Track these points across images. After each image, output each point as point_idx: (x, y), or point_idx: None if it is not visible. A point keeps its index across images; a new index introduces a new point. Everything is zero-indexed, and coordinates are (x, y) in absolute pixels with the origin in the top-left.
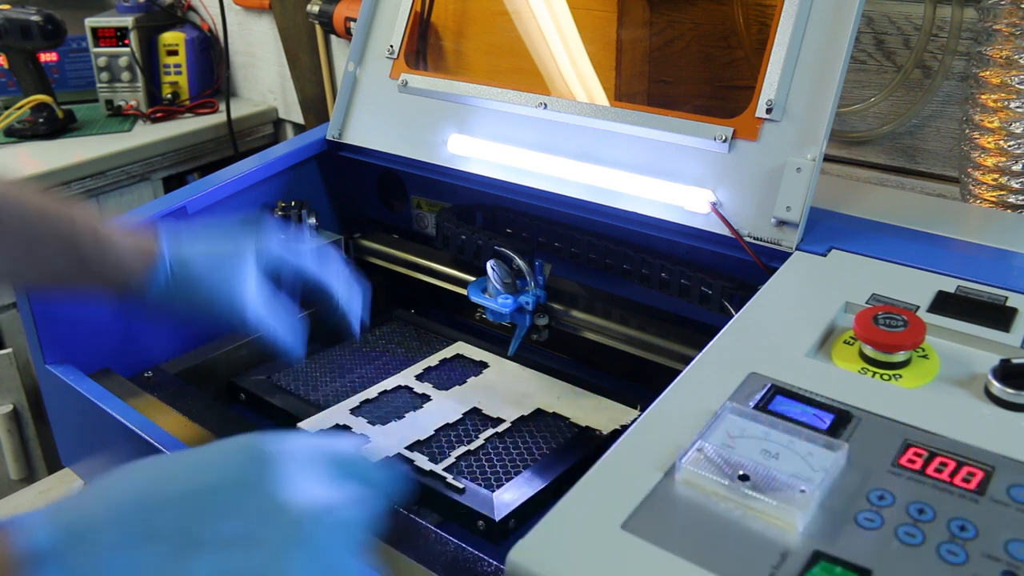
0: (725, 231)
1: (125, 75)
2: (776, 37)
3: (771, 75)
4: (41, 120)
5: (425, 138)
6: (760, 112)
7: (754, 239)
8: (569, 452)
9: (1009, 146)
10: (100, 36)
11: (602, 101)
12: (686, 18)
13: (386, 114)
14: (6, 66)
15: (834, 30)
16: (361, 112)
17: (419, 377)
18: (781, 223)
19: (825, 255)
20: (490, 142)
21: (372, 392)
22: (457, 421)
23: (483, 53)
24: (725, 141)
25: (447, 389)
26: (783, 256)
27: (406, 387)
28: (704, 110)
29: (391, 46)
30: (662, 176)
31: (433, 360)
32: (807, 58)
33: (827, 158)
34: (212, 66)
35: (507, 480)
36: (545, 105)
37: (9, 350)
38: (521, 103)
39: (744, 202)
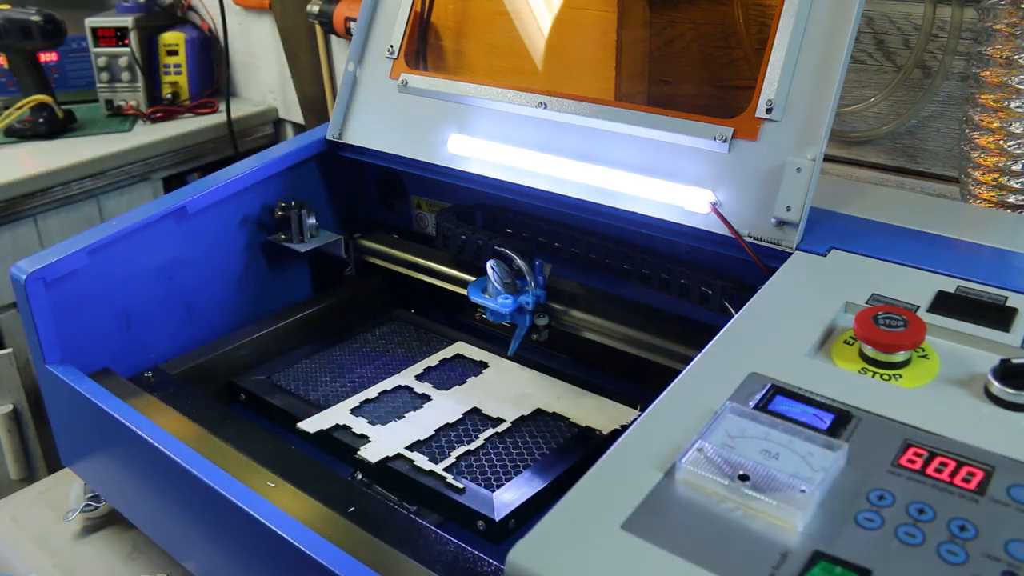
0: (725, 231)
1: (125, 75)
2: (776, 37)
3: (771, 75)
4: (41, 120)
5: (425, 138)
6: (760, 112)
7: (754, 239)
8: (569, 452)
9: (1009, 146)
10: (100, 36)
11: (602, 101)
12: (686, 18)
13: (386, 114)
14: (6, 66)
15: (834, 30)
16: (361, 112)
17: (419, 377)
18: (781, 223)
19: (825, 255)
20: (490, 142)
21: (372, 392)
22: (457, 421)
23: (483, 53)
24: (725, 141)
25: (447, 389)
26: (783, 256)
27: (406, 387)
28: (704, 110)
29: (391, 46)
30: (662, 176)
31: (433, 360)
32: (807, 58)
33: (827, 158)
34: (212, 66)
35: (507, 480)
36: (545, 105)
37: (9, 350)
38: (521, 103)
39: (744, 202)
